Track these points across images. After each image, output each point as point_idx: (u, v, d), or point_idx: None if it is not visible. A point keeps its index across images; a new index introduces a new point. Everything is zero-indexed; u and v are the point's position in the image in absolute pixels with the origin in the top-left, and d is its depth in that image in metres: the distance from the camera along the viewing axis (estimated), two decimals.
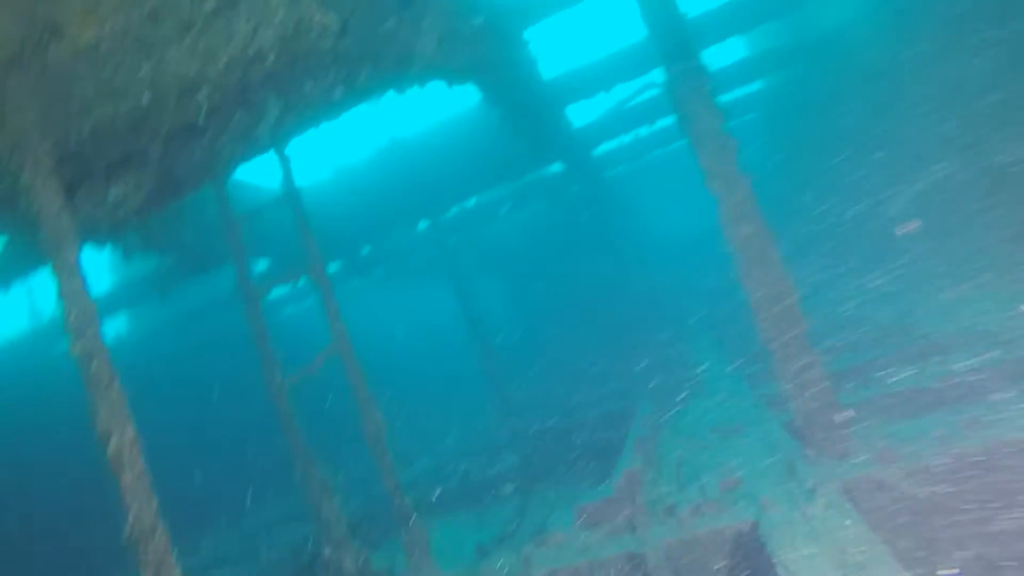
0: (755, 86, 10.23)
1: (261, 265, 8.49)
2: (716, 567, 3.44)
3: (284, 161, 4.72)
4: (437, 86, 5.14)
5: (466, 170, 7.79)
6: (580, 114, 8.61)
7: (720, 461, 4.56)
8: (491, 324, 13.25)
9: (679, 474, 4.50)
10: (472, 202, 10.55)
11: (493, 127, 7.58)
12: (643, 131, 9.65)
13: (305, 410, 4.63)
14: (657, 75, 7.60)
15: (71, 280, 2.91)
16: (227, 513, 10.11)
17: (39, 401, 6.76)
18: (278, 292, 13.19)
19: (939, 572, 3.18)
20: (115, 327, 13.69)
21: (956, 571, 3.20)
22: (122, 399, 2.86)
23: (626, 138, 9.66)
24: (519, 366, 13.99)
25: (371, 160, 8.34)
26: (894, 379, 4.94)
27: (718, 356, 9.03)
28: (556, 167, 9.17)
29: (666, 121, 9.62)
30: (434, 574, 4.01)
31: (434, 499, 7.57)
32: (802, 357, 3.88)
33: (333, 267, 11.04)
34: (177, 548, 2.90)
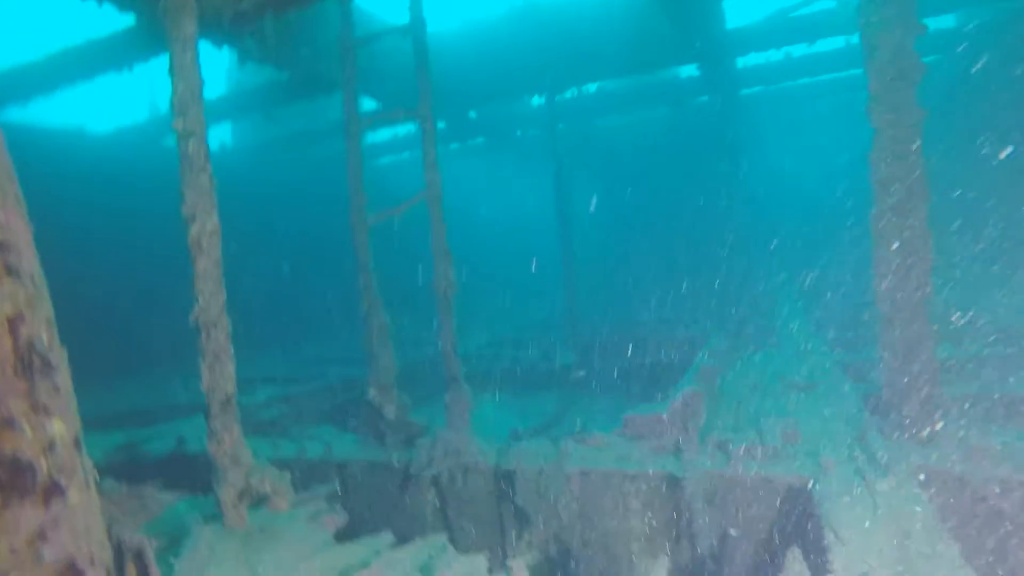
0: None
1: (368, 105, 8.36)
2: (757, 514, 3.28)
3: None
4: None
5: (596, 51, 7.17)
6: (737, 12, 7.71)
7: (784, 411, 4.30)
8: (582, 224, 12.93)
9: (738, 413, 4.28)
10: (593, 88, 9.91)
11: (637, 8, 6.89)
12: (797, 50, 8.59)
13: (382, 257, 4.61)
14: None
15: (184, 53, 2.83)
16: (286, 341, 10.70)
17: (146, 190, 7.10)
18: (378, 137, 13.17)
19: None
20: (220, 135, 14.18)
21: None
22: (211, 186, 2.85)
23: (777, 54, 8.64)
24: (600, 274, 13.73)
25: (500, 19, 7.82)
26: (1010, 380, 4.42)
27: (806, 315, 8.51)
28: (691, 69, 8.36)
29: (828, 44, 8.54)
30: (469, 439, 4.05)
31: (485, 375, 7.70)
32: (914, 325, 3.46)
33: (439, 125, 10.84)
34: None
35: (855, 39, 8.58)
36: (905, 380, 3.47)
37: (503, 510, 3.88)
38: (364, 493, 4.33)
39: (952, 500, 3.18)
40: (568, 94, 9.53)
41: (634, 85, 9.87)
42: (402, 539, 3.31)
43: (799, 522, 3.14)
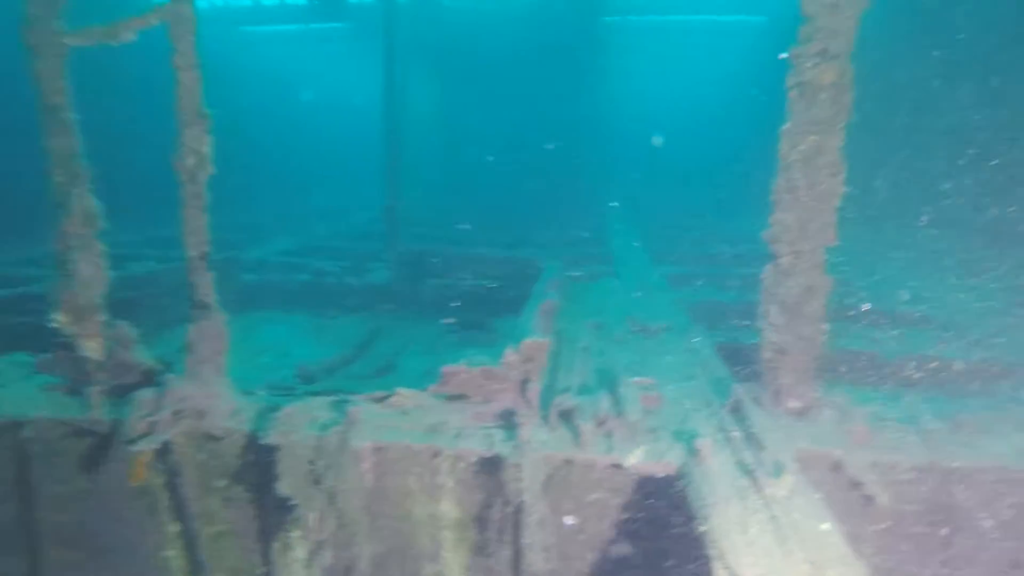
0: None
1: None
2: (608, 506, 2.47)
3: None
4: None
5: None
6: None
7: (638, 366, 3.55)
8: (420, 119, 11.42)
9: (584, 365, 3.45)
10: None
11: None
12: None
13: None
14: None
15: None
16: None
17: None
18: None
19: None
20: None
21: None
22: None
23: None
24: (435, 178, 12.44)
25: None
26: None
27: (645, 248, 8.05)
28: None
29: None
30: (217, 392, 2.77)
31: (277, 289, 6.26)
32: (811, 274, 2.76)
33: None
34: None
35: None
36: (791, 341, 2.80)
37: (266, 502, 2.73)
38: (55, 472, 2.90)
39: (828, 489, 2.62)
40: None
41: None
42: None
43: (664, 527, 2.39)
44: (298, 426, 2.59)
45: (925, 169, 7.08)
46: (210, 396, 2.77)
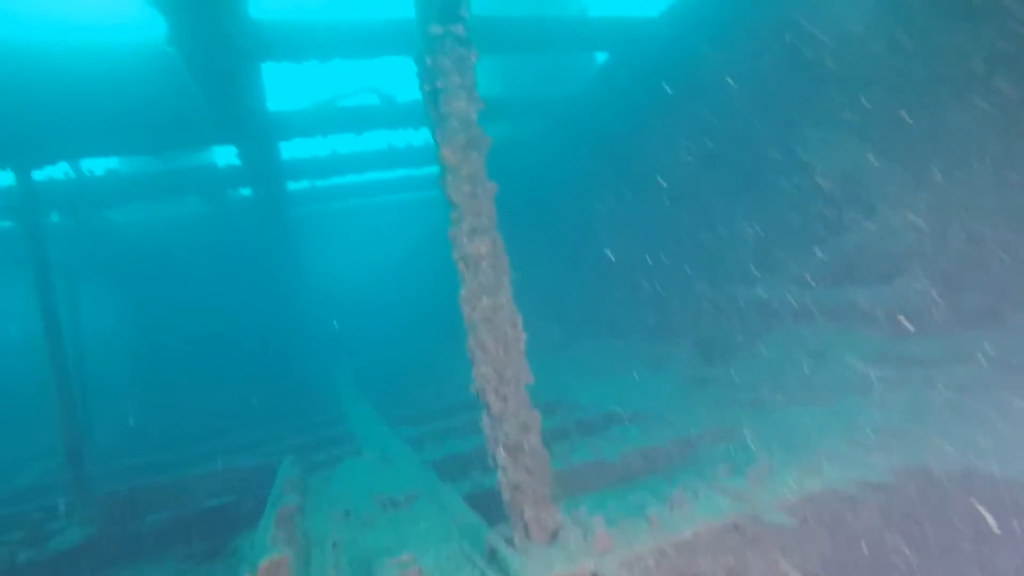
0: None
1: None
2: None
3: None
4: None
5: (95, 115, 5.48)
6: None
7: (393, 543, 3.48)
8: (103, 336, 10.21)
9: (338, 564, 3.25)
10: (101, 171, 7.83)
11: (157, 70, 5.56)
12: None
13: None
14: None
15: None
16: None
17: None
18: None
19: None
20: None
21: None
22: None
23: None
24: (137, 396, 11.04)
25: None
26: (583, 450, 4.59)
27: (380, 415, 8.08)
28: (231, 157, 7.35)
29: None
30: None
31: None
32: (521, 414, 3.11)
33: None
34: None
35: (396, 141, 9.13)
36: (522, 477, 3.05)
37: None
38: None
39: None
40: (58, 174, 7.29)
41: (159, 170, 8.23)
42: None
43: None
44: None
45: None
46: None
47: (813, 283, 6.26)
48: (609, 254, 8.75)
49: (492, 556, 2.88)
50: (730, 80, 6.40)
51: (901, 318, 5.37)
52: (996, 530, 3.07)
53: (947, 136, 5.05)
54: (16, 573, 4.60)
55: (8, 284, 11.64)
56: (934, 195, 5.21)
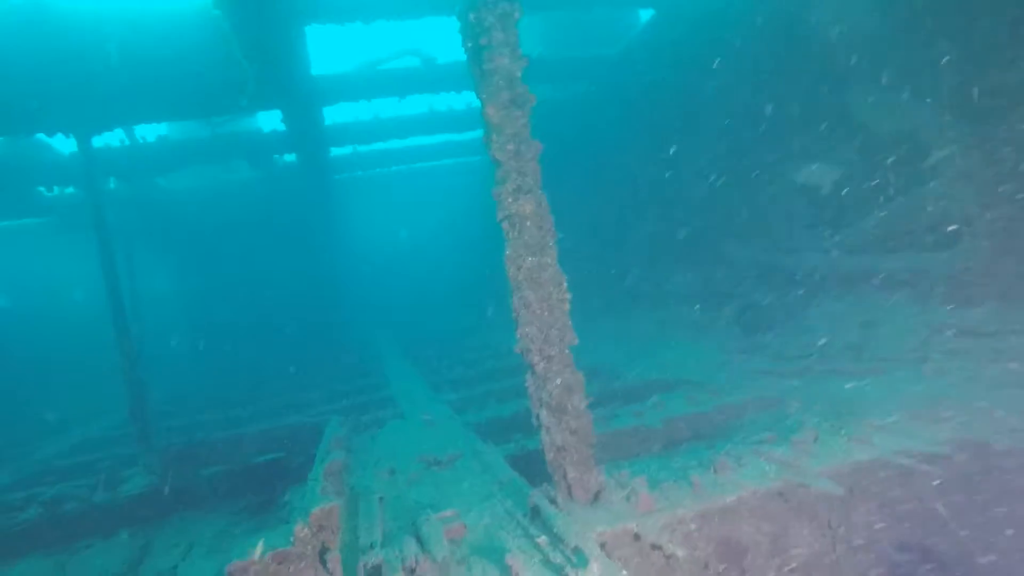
0: None
1: None
2: None
3: None
4: None
5: (146, 79, 5.59)
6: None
7: (437, 500, 3.56)
8: (157, 302, 10.62)
9: (384, 517, 3.35)
10: (152, 137, 8.03)
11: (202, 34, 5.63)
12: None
13: None
14: None
15: None
16: None
17: None
18: None
19: None
20: None
21: None
22: None
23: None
24: (188, 359, 11.49)
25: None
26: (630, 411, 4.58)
27: (423, 379, 8.20)
28: (276, 122, 7.44)
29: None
30: None
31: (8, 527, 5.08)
32: (566, 374, 3.11)
33: None
34: None
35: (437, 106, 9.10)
36: (566, 437, 3.07)
37: None
38: None
39: (632, 563, 2.83)
40: (114, 141, 7.49)
41: (207, 136, 8.38)
42: None
43: None
44: None
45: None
46: None
47: (863, 250, 6.04)
48: (652, 222, 8.61)
49: (535, 514, 2.92)
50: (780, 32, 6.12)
51: (957, 287, 5.15)
52: None
53: (1010, 96, 4.75)
54: (94, 511, 5.20)
55: (73, 251, 12.18)
56: (994, 159, 4.93)
